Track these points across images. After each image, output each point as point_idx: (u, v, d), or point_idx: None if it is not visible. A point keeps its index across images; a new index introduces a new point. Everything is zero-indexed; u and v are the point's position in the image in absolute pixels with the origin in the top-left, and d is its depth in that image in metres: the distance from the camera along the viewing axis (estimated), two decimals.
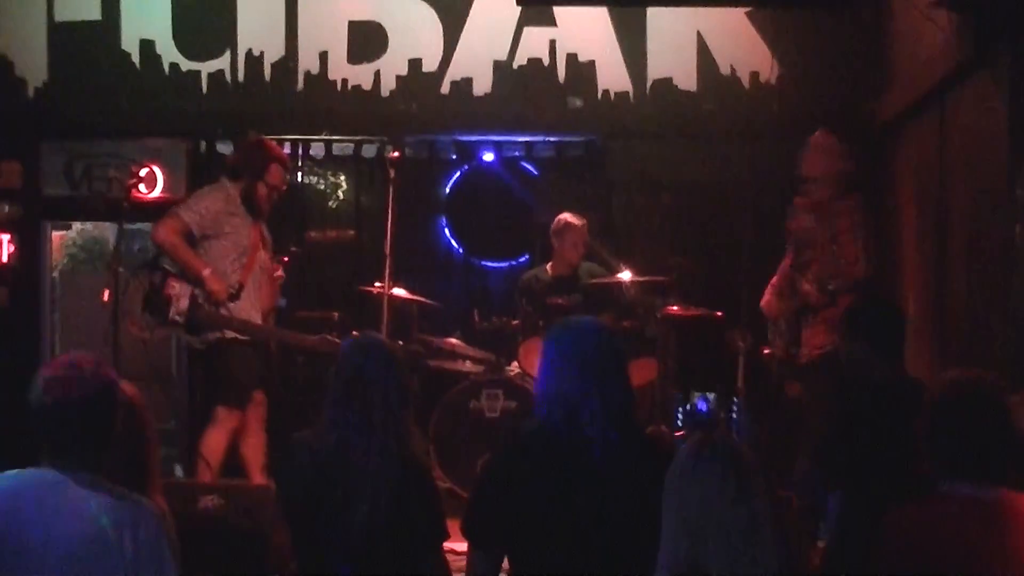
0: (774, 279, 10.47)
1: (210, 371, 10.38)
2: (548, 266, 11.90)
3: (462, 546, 5.78)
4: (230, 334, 10.10)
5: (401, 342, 10.95)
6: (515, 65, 12.68)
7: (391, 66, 12.73)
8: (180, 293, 9.96)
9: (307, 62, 12.79)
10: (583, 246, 11.78)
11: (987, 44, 7.89)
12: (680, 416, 10.17)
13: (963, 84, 8.76)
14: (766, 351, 10.34)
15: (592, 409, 5.46)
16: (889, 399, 6.79)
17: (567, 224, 11.79)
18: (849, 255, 9.79)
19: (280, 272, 10.53)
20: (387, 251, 10.68)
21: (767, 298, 10.52)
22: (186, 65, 12.79)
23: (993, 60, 7.93)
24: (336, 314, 11.99)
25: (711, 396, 10.37)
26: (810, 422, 9.61)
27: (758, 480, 4.34)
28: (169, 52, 12.76)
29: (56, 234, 13.27)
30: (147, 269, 10.16)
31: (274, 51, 12.79)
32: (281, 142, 12.83)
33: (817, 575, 6.44)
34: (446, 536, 6.12)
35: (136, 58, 12.76)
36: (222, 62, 12.79)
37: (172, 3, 12.76)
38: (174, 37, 12.76)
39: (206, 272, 9.94)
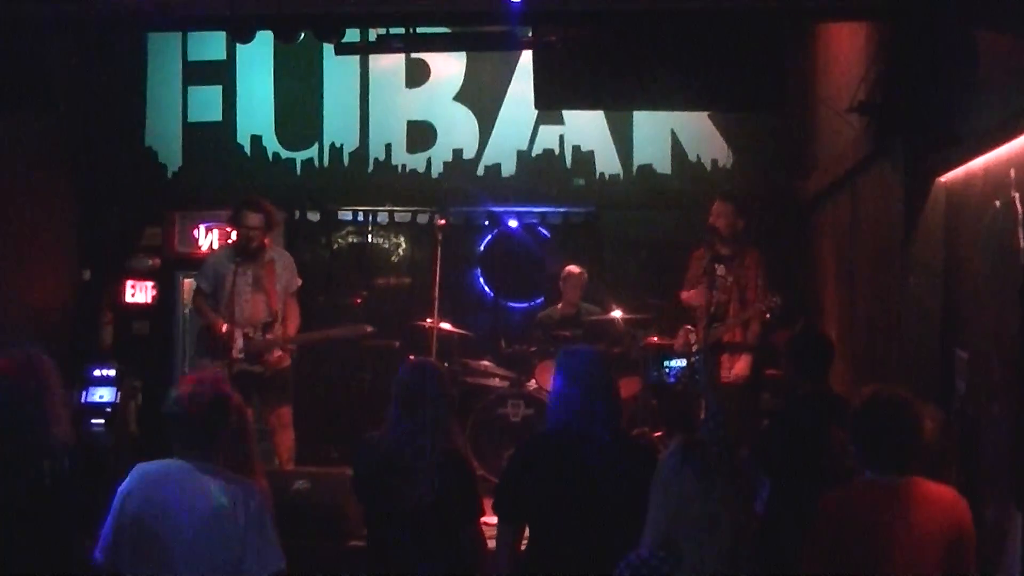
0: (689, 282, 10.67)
1: (270, 387, 10.28)
2: (558, 306, 11.89)
3: (493, 520, 5.78)
4: (277, 355, 10.16)
5: (446, 364, 10.98)
6: (533, 154, 12.81)
7: (439, 155, 12.88)
8: (233, 334, 9.94)
9: (375, 151, 12.92)
10: (582, 289, 11.78)
11: (886, 139, 7.90)
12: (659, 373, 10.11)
13: (869, 169, 8.76)
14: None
15: (589, 416, 5.50)
16: (811, 410, 6.81)
17: (570, 273, 11.81)
18: (753, 297, 9.90)
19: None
20: (435, 294, 10.73)
21: (688, 293, 10.63)
22: (284, 154, 12.94)
23: (891, 151, 7.93)
24: (397, 343, 12.00)
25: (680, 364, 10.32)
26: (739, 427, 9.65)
27: (725, 478, 4.34)
28: (272, 144, 12.91)
29: (186, 281, 13.28)
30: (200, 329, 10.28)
31: (351, 143, 12.91)
32: (355, 212, 12.99)
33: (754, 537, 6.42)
34: (482, 512, 6.11)
35: (247, 149, 12.91)
36: (311, 151, 12.93)
37: (275, 107, 12.85)
38: (276, 133, 12.88)
39: (224, 329, 9.95)
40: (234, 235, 10.42)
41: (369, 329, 10.38)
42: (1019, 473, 5.78)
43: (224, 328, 9.94)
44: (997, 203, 6.11)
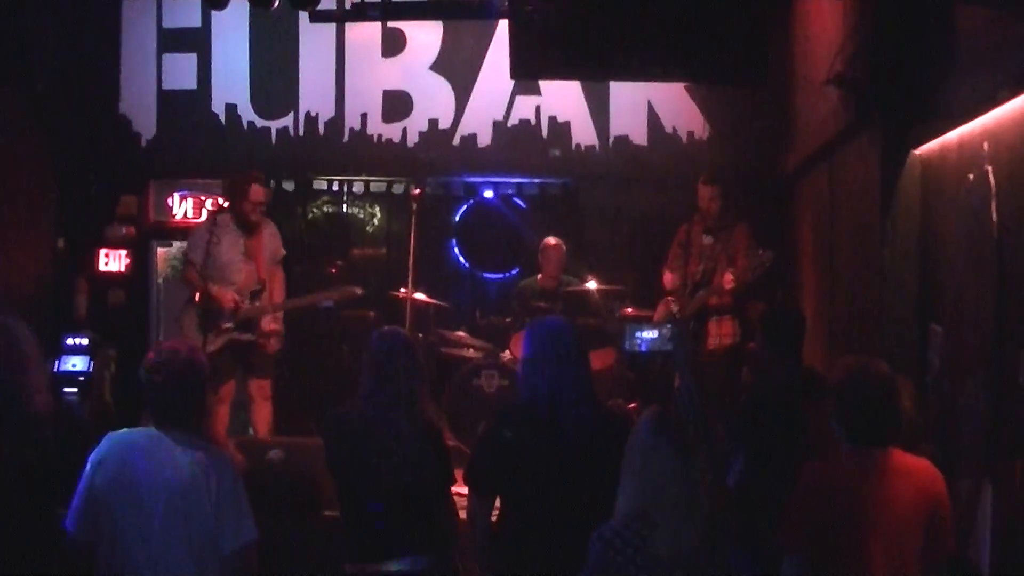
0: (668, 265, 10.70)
1: (256, 358, 10.42)
2: (538, 278, 11.89)
3: (464, 490, 5.80)
4: (271, 327, 10.23)
5: (420, 334, 11.00)
6: (509, 124, 12.75)
7: (415, 125, 12.82)
8: (223, 292, 10.06)
9: (351, 121, 12.85)
10: (561, 261, 11.77)
11: (864, 113, 7.90)
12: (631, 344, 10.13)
13: (846, 142, 8.77)
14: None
15: (562, 386, 5.51)
16: (785, 384, 6.84)
17: (547, 245, 11.79)
18: (749, 265, 9.92)
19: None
20: (410, 265, 10.72)
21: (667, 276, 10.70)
22: (260, 123, 12.85)
23: (869, 125, 7.94)
24: (372, 313, 12.02)
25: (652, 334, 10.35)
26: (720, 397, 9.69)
27: (700, 453, 4.37)
28: (247, 113, 12.83)
29: (160, 250, 13.27)
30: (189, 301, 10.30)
31: (326, 112, 12.84)
32: (331, 181, 12.98)
33: (727, 510, 6.45)
34: (453, 482, 6.13)
35: (223, 118, 12.83)
36: (287, 121, 12.86)
37: (250, 76, 12.80)
38: (251, 102, 12.82)
39: (215, 290, 10.01)
40: (230, 205, 10.47)
41: (359, 291, 10.43)
42: (991, 446, 5.82)
43: (215, 290, 10.10)
44: (971, 176, 6.13)
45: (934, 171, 7.13)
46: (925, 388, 6.89)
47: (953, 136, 6.61)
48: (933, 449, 6.18)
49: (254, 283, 10.28)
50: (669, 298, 10.54)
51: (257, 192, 10.29)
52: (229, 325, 10.06)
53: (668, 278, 10.78)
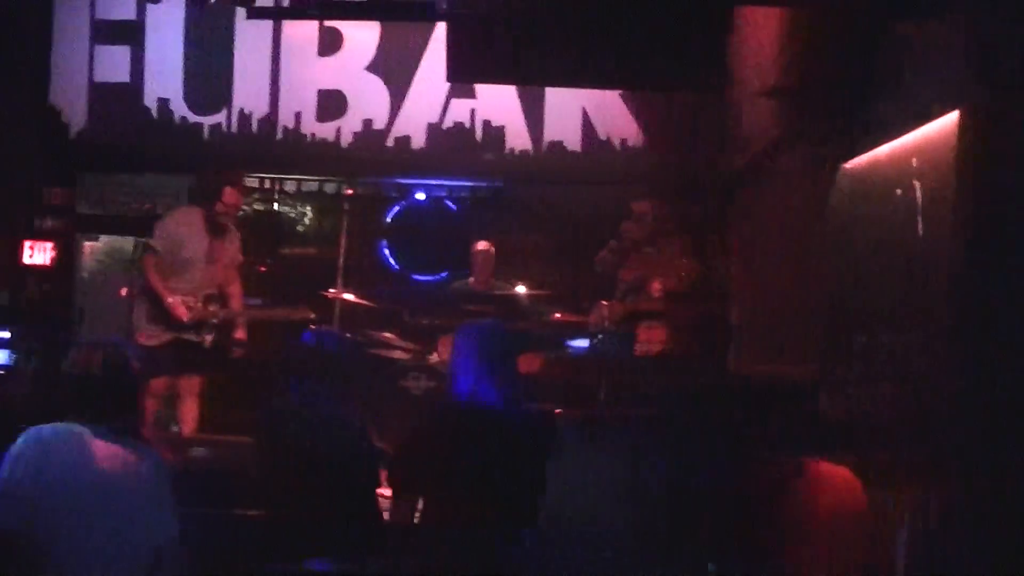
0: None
1: (197, 356, 10.38)
2: (470, 281, 11.89)
3: (388, 492, 5.81)
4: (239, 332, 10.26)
5: (349, 334, 10.98)
6: (443, 127, 12.71)
7: (349, 125, 12.74)
8: (180, 305, 10.00)
9: (285, 119, 12.77)
10: (491, 265, 11.77)
11: (798, 123, 7.97)
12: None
13: (779, 153, 8.83)
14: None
15: (488, 389, 5.53)
16: (713, 393, 6.87)
17: (477, 250, 11.81)
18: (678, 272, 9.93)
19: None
20: (340, 265, 10.72)
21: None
22: (192, 118, 12.75)
23: (801, 137, 8.01)
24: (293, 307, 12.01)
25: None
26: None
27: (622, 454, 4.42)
28: (180, 108, 12.72)
29: (87, 244, 13.18)
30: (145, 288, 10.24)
31: (260, 110, 12.77)
32: (262, 179, 12.94)
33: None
34: (379, 483, 6.14)
35: (154, 112, 12.73)
36: (220, 117, 12.76)
37: (184, 71, 12.72)
38: (184, 97, 12.73)
39: (169, 300, 9.97)
40: (202, 203, 10.47)
41: (312, 315, 10.44)
42: (910, 455, 5.88)
43: (170, 300, 10.04)
44: (899, 191, 6.19)
45: (864, 185, 7.19)
46: (849, 397, 6.95)
47: (883, 151, 6.67)
48: (855, 458, 6.23)
49: (211, 286, 10.26)
50: (603, 302, 10.54)
51: (231, 195, 10.30)
52: (184, 326, 10.07)
53: (603, 258, 10.82)
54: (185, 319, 10.03)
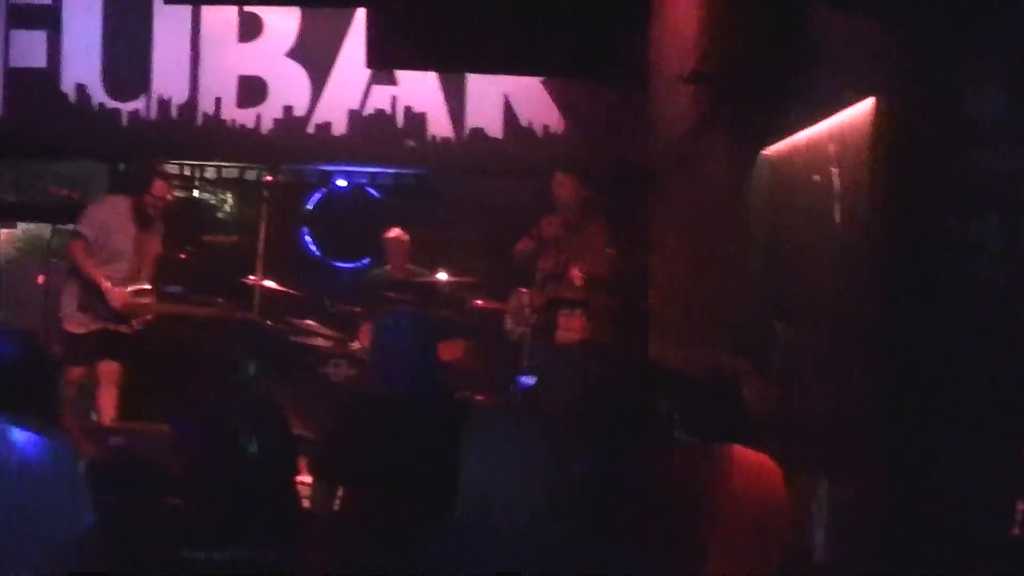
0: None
1: (121, 346, 10.30)
2: (387, 268, 11.87)
3: (310, 479, 5.79)
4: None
5: (270, 322, 10.94)
6: (365, 113, 12.66)
7: (269, 111, 12.64)
8: (113, 289, 9.97)
9: (205, 105, 12.65)
10: (406, 252, 11.74)
11: (716, 110, 8.01)
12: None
13: (700, 139, 8.87)
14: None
15: (407, 376, 5.52)
16: (631, 377, 6.88)
17: (389, 237, 11.76)
18: (598, 260, 9.88)
19: None
20: (260, 252, 10.68)
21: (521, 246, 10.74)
22: (110, 104, 12.62)
23: (721, 123, 8.05)
24: (221, 300, 11.92)
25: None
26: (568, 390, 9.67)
27: (541, 441, 4.43)
28: (98, 93, 12.58)
29: (3, 231, 13.04)
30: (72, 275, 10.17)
31: (180, 96, 12.63)
32: (182, 166, 12.84)
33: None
34: (297, 470, 6.12)
35: (72, 97, 12.58)
36: (139, 103, 12.63)
37: (102, 56, 12.59)
38: (102, 82, 12.60)
39: (106, 285, 9.92)
40: (130, 194, 10.45)
41: (240, 315, 10.39)
42: (829, 442, 5.93)
43: (107, 285, 10.05)
44: (817, 177, 6.23)
45: (783, 171, 7.24)
46: (770, 384, 6.99)
47: (802, 137, 6.71)
48: (776, 444, 6.27)
49: (137, 277, 10.21)
50: (521, 289, 10.53)
51: (160, 188, 10.28)
52: (107, 315, 10.02)
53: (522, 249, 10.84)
54: (119, 307, 9.98)
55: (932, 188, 4.48)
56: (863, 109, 5.37)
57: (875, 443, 5.11)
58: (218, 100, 12.66)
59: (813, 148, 6.47)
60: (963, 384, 4.27)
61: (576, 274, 9.99)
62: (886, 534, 4.89)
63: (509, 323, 10.41)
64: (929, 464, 4.53)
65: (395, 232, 11.80)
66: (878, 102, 5.01)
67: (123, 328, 10.19)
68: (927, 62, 4.55)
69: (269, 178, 11.04)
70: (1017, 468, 3.67)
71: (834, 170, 5.96)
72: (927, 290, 4.54)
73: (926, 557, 4.53)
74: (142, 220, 10.28)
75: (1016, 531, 3.71)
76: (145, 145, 12.62)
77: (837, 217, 5.87)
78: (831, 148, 6.03)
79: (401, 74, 12.45)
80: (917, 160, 4.59)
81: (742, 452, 5.22)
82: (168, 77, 12.65)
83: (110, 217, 10.22)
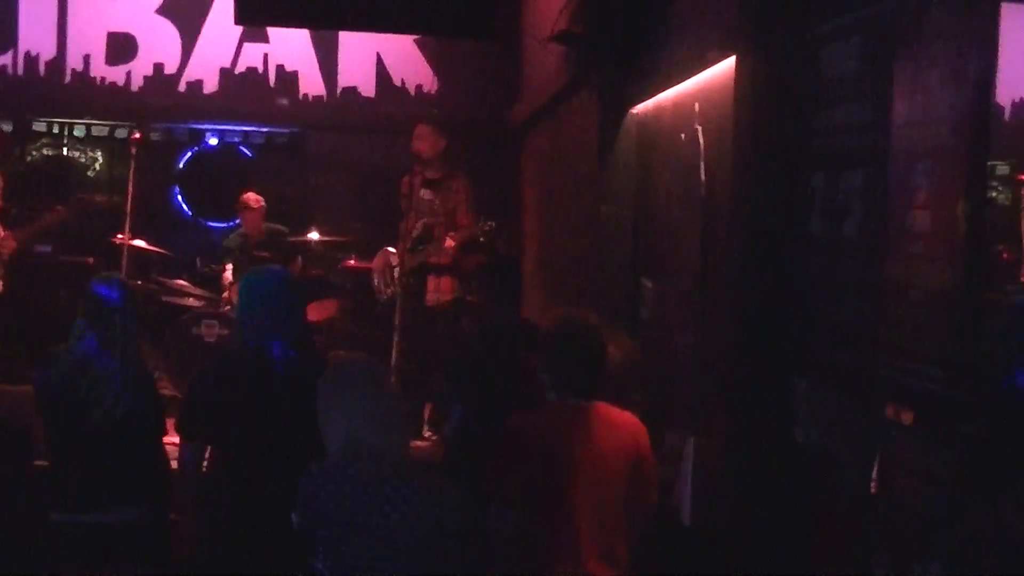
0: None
1: None
2: (242, 230, 11.64)
3: (178, 439, 5.73)
4: None
5: (140, 281, 10.82)
6: (236, 71, 12.55)
7: (140, 68, 12.50)
8: None
9: (73, 62, 12.46)
10: (261, 218, 11.49)
11: (585, 69, 8.03)
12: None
13: (568, 98, 8.90)
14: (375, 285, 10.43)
15: (273, 334, 5.48)
16: (502, 335, 6.89)
17: (246, 205, 11.55)
18: (464, 221, 9.79)
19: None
20: (127, 210, 10.53)
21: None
22: None
23: (588, 83, 8.07)
24: (91, 259, 11.76)
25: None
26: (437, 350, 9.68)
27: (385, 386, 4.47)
28: None
29: None
30: None
31: (47, 52, 12.43)
32: (51, 123, 12.66)
33: (441, 462, 6.50)
34: (165, 431, 6.06)
35: None
36: (6, 59, 12.39)
37: None
38: None
39: None
40: None
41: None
42: (694, 399, 5.99)
43: None
44: (683, 136, 6.28)
45: (650, 129, 7.28)
46: (637, 341, 7.04)
47: (668, 96, 6.76)
48: (643, 402, 6.32)
49: None
50: (387, 248, 10.44)
51: None
52: None
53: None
54: None
55: (786, 144, 4.53)
56: (725, 67, 5.42)
57: (730, 400, 5.17)
58: (87, 57, 12.47)
59: (679, 107, 6.52)
60: (820, 341, 4.32)
61: (448, 243, 9.88)
62: (741, 491, 4.95)
63: (376, 282, 10.32)
64: (783, 420, 4.58)
65: (247, 199, 11.54)
66: (737, 60, 5.05)
67: None
68: (785, 20, 4.59)
69: (137, 135, 10.85)
70: (881, 427, 3.72)
71: (699, 128, 6.01)
72: (782, 246, 4.58)
73: (781, 514, 4.60)
74: None
75: (873, 488, 3.76)
76: (12, 102, 12.42)
77: (702, 174, 5.92)
78: (696, 106, 6.08)
79: (273, 32, 12.35)
80: (772, 117, 4.63)
81: (607, 410, 5.24)
82: (36, 33, 12.42)
83: None
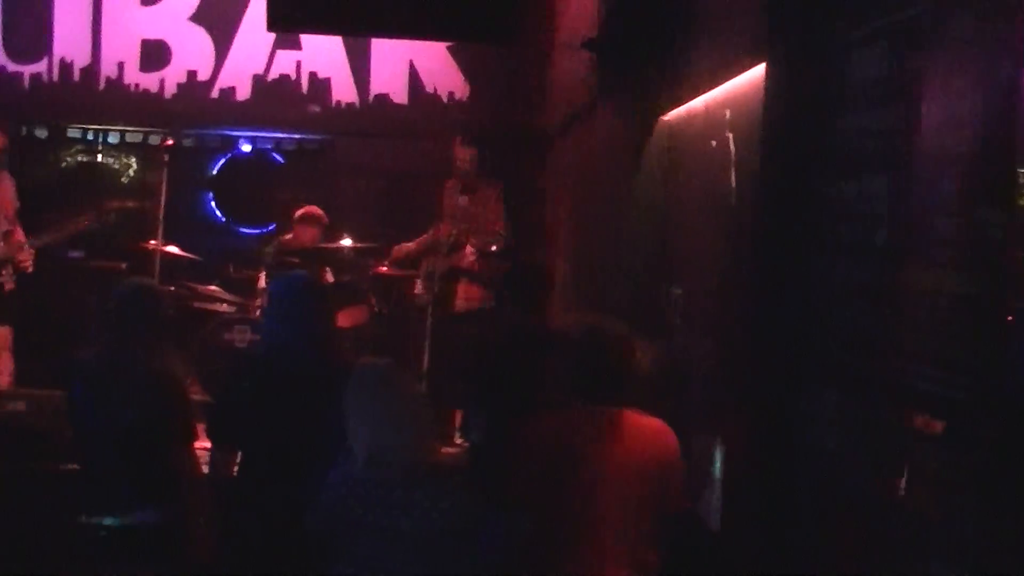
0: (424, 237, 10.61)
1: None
2: (289, 237, 11.67)
3: (210, 444, 5.76)
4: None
5: (171, 287, 10.85)
6: (269, 78, 12.61)
7: (173, 75, 12.57)
8: None
9: (107, 69, 12.54)
10: (319, 235, 11.51)
11: (615, 77, 8.02)
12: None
13: (598, 106, 8.89)
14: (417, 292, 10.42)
15: (298, 339, 5.50)
16: (527, 342, 6.88)
17: (312, 217, 11.56)
18: (498, 229, 9.82)
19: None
20: (160, 216, 10.59)
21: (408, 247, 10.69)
22: (12, 67, 12.47)
23: (618, 90, 8.06)
24: (124, 264, 11.81)
25: None
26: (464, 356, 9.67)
27: (408, 391, 4.47)
28: None
29: None
30: None
31: (82, 59, 12.51)
32: (85, 130, 12.71)
33: (466, 468, 6.49)
34: (194, 437, 6.07)
35: None
36: (41, 66, 12.48)
37: (2, 18, 12.41)
38: (3, 45, 12.43)
39: None
40: None
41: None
42: (722, 406, 5.96)
43: None
44: (713, 143, 6.26)
45: (680, 137, 7.26)
46: (666, 349, 7.02)
47: (699, 103, 6.73)
48: (671, 409, 6.30)
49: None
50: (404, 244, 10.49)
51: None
52: None
53: (406, 249, 10.83)
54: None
55: (812, 150, 4.51)
56: (756, 73, 5.39)
57: (752, 407, 5.14)
58: (121, 64, 12.54)
59: (710, 114, 6.49)
60: (842, 348, 4.30)
61: (469, 249, 9.90)
62: (767, 498, 4.92)
63: (419, 288, 10.36)
64: (804, 428, 4.55)
65: (310, 211, 11.56)
66: (768, 66, 5.03)
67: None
68: (813, 26, 4.57)
69: (169, 142, 10.93)
70: (899, 434, 3.70)
71: (730, 135, 5.99)
72: (808, 253, 4.56)
73: (807, 522, 4.57)
74: None
75: (899, 496, 3.74)
76: (47, 109, 12.49)
77: (732, 181, 5.90)
78: (727, 113, 6.05)
79: (305, 39, 12.39)
80: (800, 123, 4.61)
81: (635, 417, 5.22)
82: (70, 40, 12.52)
83: None
